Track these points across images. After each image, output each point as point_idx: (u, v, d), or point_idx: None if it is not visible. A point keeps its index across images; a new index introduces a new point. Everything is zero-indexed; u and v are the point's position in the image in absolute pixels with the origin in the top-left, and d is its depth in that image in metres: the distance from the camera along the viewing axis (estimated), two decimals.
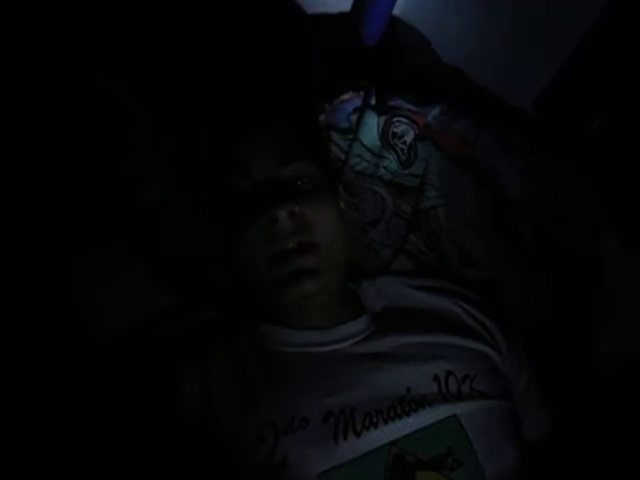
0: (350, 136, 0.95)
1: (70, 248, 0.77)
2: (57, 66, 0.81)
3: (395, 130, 0.95)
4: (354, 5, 1.03)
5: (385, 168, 0.94)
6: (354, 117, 0.95)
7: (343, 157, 0.94)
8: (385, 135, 0.95)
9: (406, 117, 0.95)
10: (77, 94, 0.81)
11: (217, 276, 0.86)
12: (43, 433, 0.69)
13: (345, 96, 0.96)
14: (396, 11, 1.03)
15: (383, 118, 0.95)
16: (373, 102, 0.95)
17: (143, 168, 0.83)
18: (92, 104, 0.81)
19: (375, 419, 0.65)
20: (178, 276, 0.83)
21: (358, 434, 0.63)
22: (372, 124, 0.95)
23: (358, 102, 0.96)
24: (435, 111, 0.96)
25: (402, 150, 0.95)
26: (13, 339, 0.72)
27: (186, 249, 0.85)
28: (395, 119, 0.95)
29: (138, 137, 0.84)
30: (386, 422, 0.65)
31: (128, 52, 0.85)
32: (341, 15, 1.05)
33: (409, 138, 0.95)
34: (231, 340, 0.74)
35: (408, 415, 0.66)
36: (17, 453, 0.67)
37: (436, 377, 0.70)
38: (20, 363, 0.72)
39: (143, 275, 0.81)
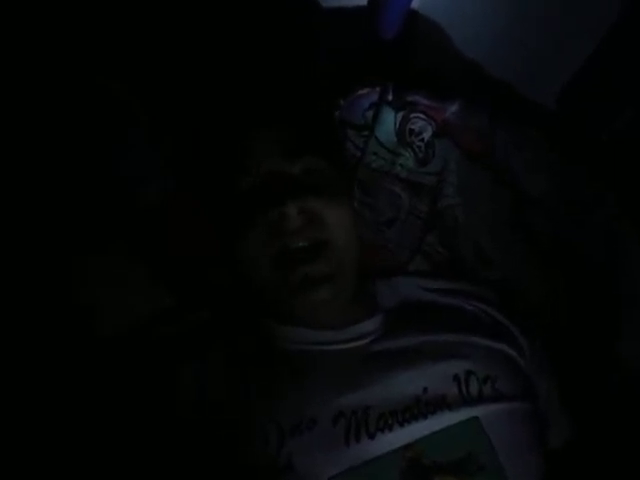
0: (366, 132, 0.95)
1: (70, 248, 0.79)
2: (57, 66, 0.83)
3: (412, 127, 0.95)
4: None
5: (401, 166, 0.95)
6: (370, 113, 0.96)
7: (358, 154, 0.95)
8: (402, 132, 0.95)
9: (424, 113, 0.96)
10: (77, 94, 0.83)
11: (217, 276, 0.87)
12: (42, 433, 0.71)
13: (361, 91, 0.96)
14: (414, 4, 1.04)
15: (400, 114, 0.95)
16: (390, 98, 0.96)
17: (143, 168, 0.85)
18: (92, 104, 0.83)
19: (390, 420, 0.64)
20: (178, 276, 0.85)
21: (372, 436, 0.62)
22: (389, 120, 0.95)
23: (374, 97, 0.96)
24: (454, 107, 0.96)
25: (419, 147, 0.95)
26: (13, 339, 0.74)
27: (186, 249, 0.87)
28: (412, 115, 0.95)
29: (138, 137, 0.86)
30: (402, 424, 0.64)
31: (128, 52, 0.87)
32: (357, 9, 1.06)
33: (427, 135, 0.95)
34: (231, 340, 0.75)
35: (425, 417, 0.65)
36: (17, 452, 0.69)
37: (456, 377, 0.69)
38: (20, 363, 0.74)
39: (143, 275, 0.82)
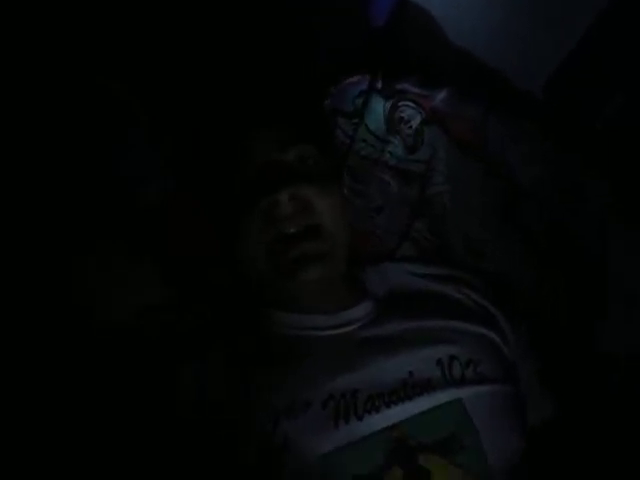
0: (355, 120, 0.97)
1: (70, 248, 0.79)
2: (57, 66, 0.83)
3: (401, 115, 0.97)
4: None
5: (390, 153, 0.97)
6: (360, 100, 0.98)
7: (348, 141, 0.97)
8: (391, 120, 0.97)
9: (412, 101, 0.97)
10: (77, 94, 0.83)
11: (217, 276, 0.89)
12: (42, 432, 0.72)
13: (351, 79, 0.98)
14: None
15: (389, 102, 0.97)
16: (379, 86, 0.98)
17: (143, 168, 0.86)
18: (92, 104, 0.83)
19: (377, 402, 0.67)
20: (178, 276, 0.86)
21: (360, 417, 0.66)
22: (378, 108, 0.97)
23: (364, 85, 0.98)
24: (442, 94, 0.98)
25: (408, 135, 0.97)
26: (12, 338, 0.75)
27: (186, 249, 0.88)
28: (401, 103, 0.97)
29: (138, 137, 0.86)
30: (388, 406, 0.67)
31: (128, 52, 0.87)
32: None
33: (415, 123, 0.97)
34: (231, 340, 0.77)
35: (411, 399, 0.68)
36: (15, 451, 0.70)
37: (439, 361, 0.72)
38: (19, 362, 0.75)
39: (143, 275, 0.83)
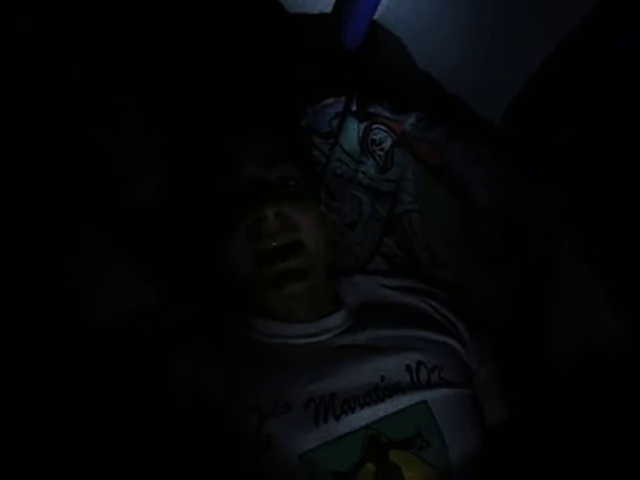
0: (331, 140, 1.04)
1: (65, 246, 0.81)
2: (57, 66, 0.85)
3: (374, 137, 1.04)
4: (335, 8, 1.11)
5: (363, 173, 1.04)
6: (335, 122, 1.04)
7: (323, 160, 1.03)
8: (365, 141, 1.04)
9: (384, 124, 1.04)
10: (77, 94, 0.85)
11: (208, 276, 0.90)
12: (40, 427, 0.75)
13: (327, 101, 1.05)
14: (375, 16, 1.10)
15: (363, 125, 1.04)
16: (354, 108, 1.04)
17: (141, 167, 0.88)
18: (92, 103, 0.85)
19: (353, 404, 0.74)
20: (171, 273, 0.89)
21: (337, 418, 0.72)
22: (353, 130, 1.04)
23: (339, 107, 1.05)
24: (411, 119, 1.05)
25: (380, 156, 1.04)
26: (9, 337, 0.77)
27: (179, 249, 0.90)
28: (374, 126, 1.04)
29: (137, 136, 0.89)
30: (362, 407, 0.74)
31: (128, 52, 0.89)
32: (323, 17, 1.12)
33: (387, 145, 1.04)
34: (218, 334, 0.83)
35: (382, 401, 0.75)
36: (13, 447, 0.73)
37: (408, 367, 0.79)
38: (16, 360, 0.77)
39: (135, 272, 0.86)
